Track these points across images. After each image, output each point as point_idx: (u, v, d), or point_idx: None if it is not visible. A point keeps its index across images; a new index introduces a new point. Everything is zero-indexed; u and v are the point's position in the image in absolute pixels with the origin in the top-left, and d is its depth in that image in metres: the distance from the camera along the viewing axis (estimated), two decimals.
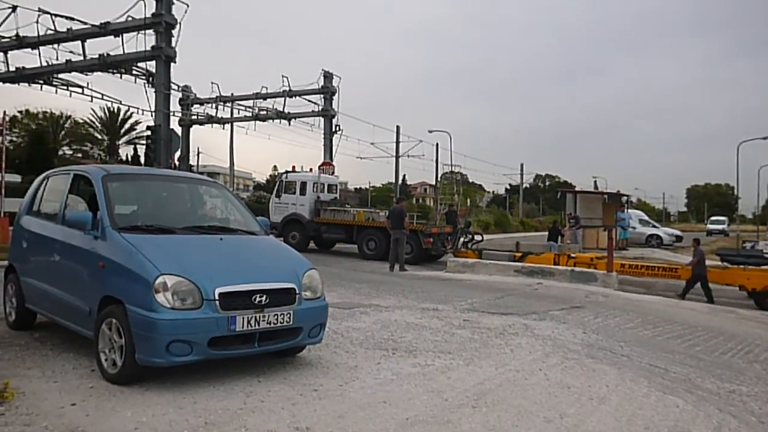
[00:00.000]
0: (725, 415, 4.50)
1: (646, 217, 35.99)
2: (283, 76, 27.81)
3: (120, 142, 47.68)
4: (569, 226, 23.49)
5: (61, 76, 21.81)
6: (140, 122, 45.63)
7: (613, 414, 4.33)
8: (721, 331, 8.10)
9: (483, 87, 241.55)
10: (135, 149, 46.59)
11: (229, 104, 29.68)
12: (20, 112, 43.00)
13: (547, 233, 22.37)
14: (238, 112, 30.18)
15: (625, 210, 29.01)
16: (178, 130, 26.67)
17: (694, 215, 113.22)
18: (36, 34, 19.53)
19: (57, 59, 20.38)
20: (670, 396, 4.84)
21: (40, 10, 18.79)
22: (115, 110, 44.87)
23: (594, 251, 18.97)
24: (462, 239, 18.30)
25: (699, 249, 12.61)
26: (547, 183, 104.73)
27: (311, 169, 21.64)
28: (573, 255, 14.97)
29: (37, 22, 19.08)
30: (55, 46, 20.08)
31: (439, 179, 44.99)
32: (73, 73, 21.32)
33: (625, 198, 31.46)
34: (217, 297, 4.46)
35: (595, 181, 67.50)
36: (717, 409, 4.64)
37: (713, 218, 63.06)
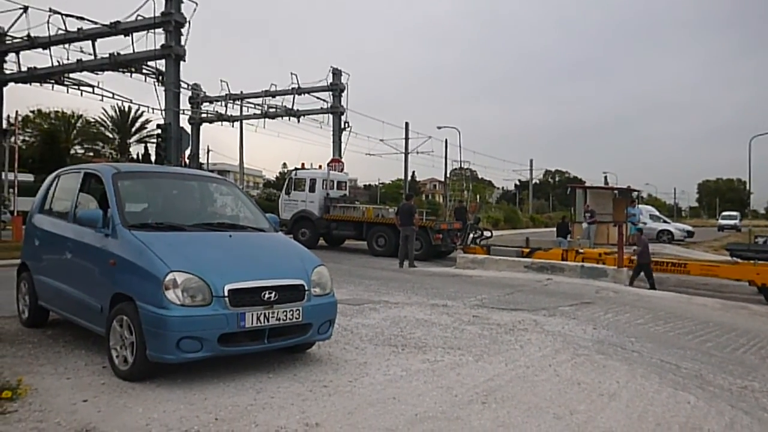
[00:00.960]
0: (737, 411, 4.46)
1: (657, 213, 35.71)
2: (291, 74, 27.89)
3: (131, 140, 48.05)
4: (586, 219, 23.37)
5: (72, 75, 21.94)
6: (151, 121, 46.03)
7: (623, 410, 4.31)
8: (733, 327, 8.03)
9: (492, 83, 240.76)
10: (146, 148, 46.95)
11: (238, 102, 29.75)
12: (32, 111, 43.46)
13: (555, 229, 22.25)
14: (248, 110, 30.29)
15: (636, 205, 28.78)
16: (188, 128, 26.77)
17: (706, 210, 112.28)
18: (47, 35, 19.67)
19: (68, 59, 20.52)
20: (681, 392, 4.81)
21: (50, 10, 18.92)
22: (126, 109, 45.28)
23: (605, 247, 18.86)
24: (471, 235, 18.27)
25: (642, 239, 13.29)
26: (557, 179, 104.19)
27: (320, 166, 21.65)
28: (581, 250, 14.90)
29: (48, 22, 19.22)
30: (66, 46, 20.20)
31: (448, 175, 44.94)
32: (84, 73, 21.43)
33: (636, 193, 31.25)
34: (226, 294, 4.48)
35: (606, 177, 67.26)
36: (729, 405, 4.60)
37: (725, 213, 62.56)
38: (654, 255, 16.91)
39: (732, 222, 55.06)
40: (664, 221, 34.27)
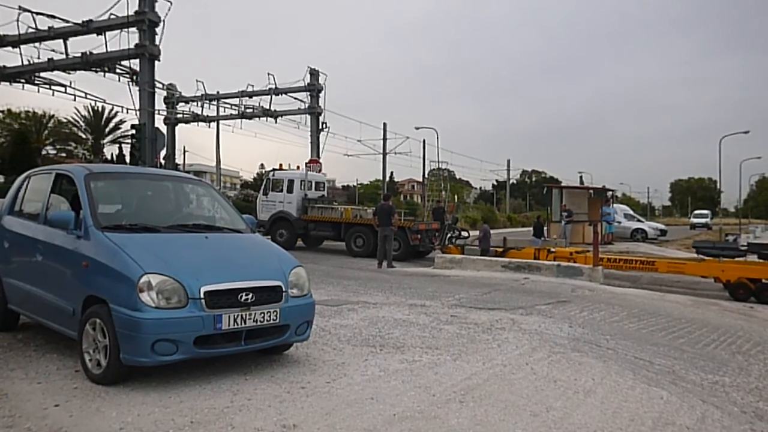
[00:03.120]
0: (709, 406, 4.55)
1: (631, 212, 36.29)
2: (268, 74, 27.76)
3: (105, 141, 47.18)
4: (563, 219, 23.69)
5: (43, 75, 21.56)
6: (125, 121, 45.20)
7: (598, 407, 4.37)
8: (704, 323, 8.19)
9: (469, 84, 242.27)
10: (120, 148, 46.16)
11: (214, 102, 29.43)
12: (2, 111, 42.40)
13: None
14: (224, 110, 29.98)
15: (611, 205, 29.23)
16: (164, 128, 26.35)
17: (678, 209, 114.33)
18: (17, 33, 19.30)
19: (39, 58, 20.21)
20: (654, 388, 4.89)
21: (20, 8, 18.58)
22: (99, 109, 44.34)
23: (580, 246, 19.12)
24: (448, 235, 18.36)
25: (484, 226, 17.01)
26: (534, 179, 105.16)
27: (298, 167, 21.56)
28: (553, 249, 15.13)
29: (17, 20, 18.87)
30: (37, 44, 19.87)
31: (426, 176, 45.01)
32: (56, 72, 21.09)
33: (611, 193, 31.71)
34: (202, 295, 4.43)
35: (581, 177, 68.02)
36: (701, 400, 4.69)
37: (696, 212, 63.87)
38: (627, 253, 17.20)
39: (703, 220, 56.21)
40: (638, 220, 34.83)
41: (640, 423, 4.08)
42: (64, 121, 45.11)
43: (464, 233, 19.69)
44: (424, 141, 42.85)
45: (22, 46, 19.98)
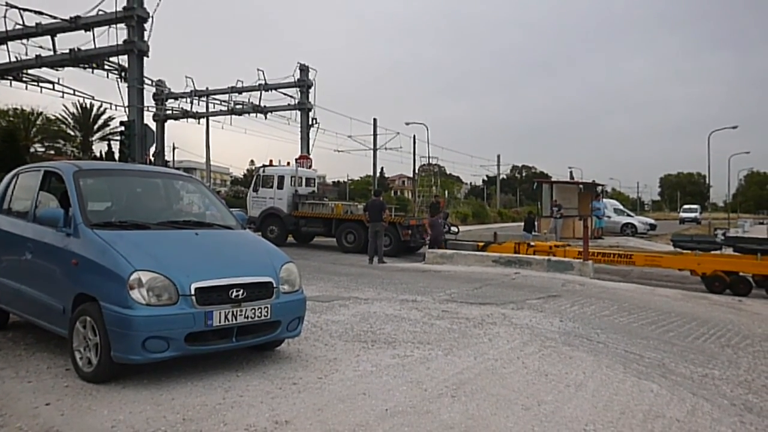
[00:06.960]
0: (698, 398, 4.59)
1: (621, 207, 36.47)
2: (258, 70, 27.56)
3: (93, 138, 46.79)
4: (553, 213, 23.80)
5: (31, 71, 21.36)
6: (114, 118, 44.90)
7: (589, 400, 4.39)
8: (694, 316, 8.26)
9: (459, 80, 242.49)
10: (109, 145, 45.70)
11: (204, 99, 29.25)
12: None
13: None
14: (214, 107, 29.80)
15: (600, 199, 29.36)
16: (153, 125, 26.24)
17: (668, 204, 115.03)
18: (4, 29, 19.09)
19: (26, 54, 19.99)
20: (645, 381, 4.93)
21: (7, 4, 18.40)
22: (88, 106, 43.97)
23: (571, 240, 19.23)
24: None
25: (432, 218, 16.42)
26: (524, 174, 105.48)
27: (288, 163, 21.49)
28: (532, 244, 15.25)
29: (4, 16, 18.70)
30: (24, 41, 19.65)
31: (416, 171, 45.05)
32: (44, 69, 20.91)
33: (600, 188, 31.83)
34: (193, 292, 4.42)
35: (571, 172, 68.14)
36: (690, 393, 4.73)
37: (686, 206, 64.27)
38: (617, 247, 17.31)
39: (692, 215, 56.59)
40: (628, 215, 35.01)
41: (631, 416, 4.11)
42: (53, 118, 44.70)
43: (454, 229, 19.72)
44: (414, 136, 42.99)
45: (9, 43, 19.78)
